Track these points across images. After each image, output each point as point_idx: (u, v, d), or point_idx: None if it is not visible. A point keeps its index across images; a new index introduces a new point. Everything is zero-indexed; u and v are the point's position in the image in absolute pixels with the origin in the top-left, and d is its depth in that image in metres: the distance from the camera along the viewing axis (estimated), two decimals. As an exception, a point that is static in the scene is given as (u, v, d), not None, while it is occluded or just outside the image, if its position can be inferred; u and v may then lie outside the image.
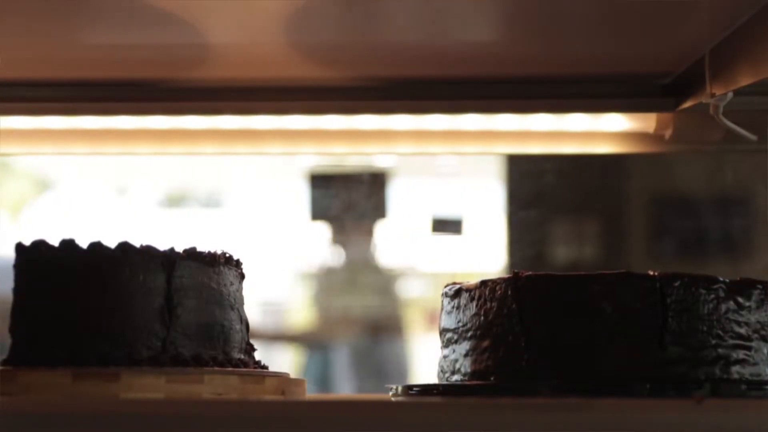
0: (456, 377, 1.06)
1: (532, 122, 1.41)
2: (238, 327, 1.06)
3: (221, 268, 1.05)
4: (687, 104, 1.31)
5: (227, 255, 1.06)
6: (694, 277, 0.99)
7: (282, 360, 3.63)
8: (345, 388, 3.41)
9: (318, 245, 3.45)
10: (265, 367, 1.08)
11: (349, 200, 3.08)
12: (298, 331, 3.80)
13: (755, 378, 1.00)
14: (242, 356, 1.06)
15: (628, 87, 1.35)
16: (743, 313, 1.00)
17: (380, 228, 3.41)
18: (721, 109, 1.23)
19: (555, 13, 1.15)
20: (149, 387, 0.95)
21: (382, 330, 3.48)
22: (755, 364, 1.00)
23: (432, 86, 1.36)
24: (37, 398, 0.94)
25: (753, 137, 1.29)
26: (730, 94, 1.21)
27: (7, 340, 1.01)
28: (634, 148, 1.46)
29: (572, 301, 0.99)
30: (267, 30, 1.20)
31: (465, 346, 1.05)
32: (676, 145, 1.41)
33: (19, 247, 1.02)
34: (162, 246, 1.03)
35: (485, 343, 1.03)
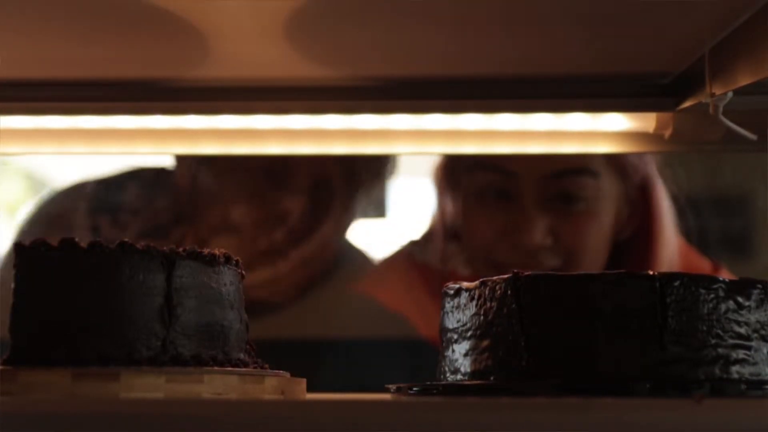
0: (456, 377, 1.06)
1: (532, 122, 1.41)
2: (237, 327, 1.06)
3: (221, 267, 1.05)
4: (687, 104, 1.31)
5: (227, 254, 1.06)
6: (693, 277, 0.99)
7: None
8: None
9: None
10: (264, 367, 1.08)
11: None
12: None
13: (755, 378, 1.00)
14: (242, 356, 1.06)
15: (628, 87, 1.35)
16: (743, 312, 1.00)
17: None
18: (720, 109, 1.22)
19: (555, 12, 1.15)
20: (149, 387, 0.95)
21: None
22: (755, 363, 1.00)
23: (432, 86, 1.36)
24: (37, 398, 0.94)
25: (753, 137, 1.28)
26: (730, 94, 1.21)
27: (7, 340, 1.01)
28: (634, 148, 1.45)
29: (572, 301, 0.99)
30: (267, 30, 1.20)
31: (465, 346, 1.05)
32: (676, 145, 1.41)
33: (19, 247, 1.02)
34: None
35: (485, 343, 1.03)
